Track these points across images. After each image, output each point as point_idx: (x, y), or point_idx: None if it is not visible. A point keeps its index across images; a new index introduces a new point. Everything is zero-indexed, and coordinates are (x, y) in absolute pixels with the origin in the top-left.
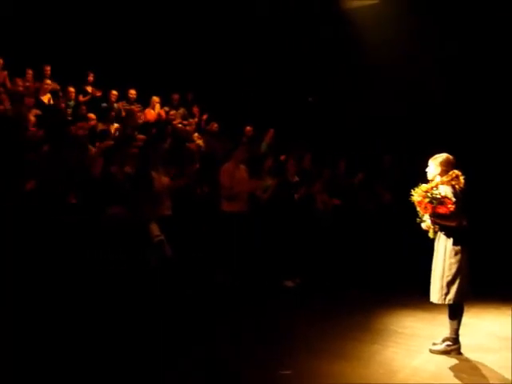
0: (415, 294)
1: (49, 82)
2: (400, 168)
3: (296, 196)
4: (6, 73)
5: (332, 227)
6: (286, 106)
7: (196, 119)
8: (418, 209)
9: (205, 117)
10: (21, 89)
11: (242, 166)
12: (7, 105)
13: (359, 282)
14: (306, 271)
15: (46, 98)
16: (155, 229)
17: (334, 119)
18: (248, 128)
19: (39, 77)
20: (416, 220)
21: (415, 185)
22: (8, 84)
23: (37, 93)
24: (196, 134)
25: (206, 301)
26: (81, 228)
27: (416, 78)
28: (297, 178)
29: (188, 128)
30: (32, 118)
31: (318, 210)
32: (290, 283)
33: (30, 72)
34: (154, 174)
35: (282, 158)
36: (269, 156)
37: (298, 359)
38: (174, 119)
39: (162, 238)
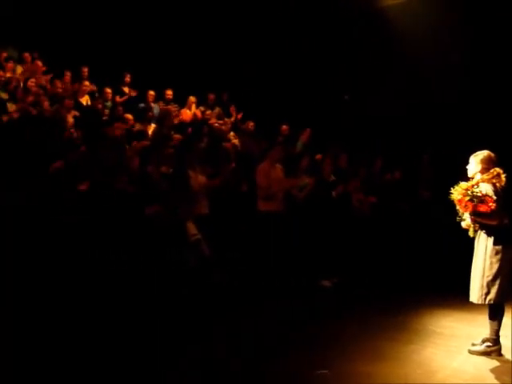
0: (454, 294)
1: (87, 83)
2: (439, 166)
3: (333, 195)
4: (49, 76)
5: (368, 226)
6: (321, 105)
7: (232, 118)
8: (458, 207)
9: (240, 116)
10: (60, 91)
11: (278, 166)
12: (46, 107)
13: (396, 282)
14: (343, 270)
15: (84, 100)
16: (192, 228)
17: (371, 117)
18: (284, 127)
19: (77, 79)
20: (456, 219)
21: (455, 183)
22: (48, 86)
23: (75, 94)
24: (232, 134)
25: (241, 298)
26: (123, 227)
27: (453, 76)
28: (333, 177)
29: (224, 127)
30: (70, 120)
31: (355, 209)
32: (326, 283)
33: (68, 74)
34: (190, 173)
35: (318, 157)
36: (305, 155)
37: (334, 359)
38: (210, 119)
39: (199, 237)
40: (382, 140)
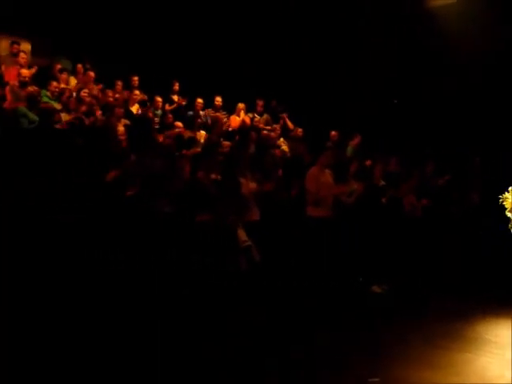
0: (509, 302)
1: (137, 92)
2: (489, 168)
3: (383, 200)
4: (100, 86)
5: (420, 230)
6: (371, 109)
7: (281, 125)
8: (510, 214)
9: (287, 122)
10: (111, 100)
11: (328, 171)
12: (98, 116)
13: (449, 287)
14: (394, 276)
15: (134, 108)
16: (242, 234)
17: (421, 121)
18: (333, 133)
19: (128, 88)
20: (508, 226)
21: (505, 187)
22: (100, 96)
23: (126, 103)
24: (281, 140)
25: (291, 305)
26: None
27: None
28: (383, 182)
29: (272, 134)
30: (121, 128)
31: (406, 213)
32: (377, 289)
33: (119, 83)
34: (241, 179)
35: (368, 162)
36: (354, 160)
37: (386, 366)
38: (259, 125)
39: (250, 243)
40: (432, 143)
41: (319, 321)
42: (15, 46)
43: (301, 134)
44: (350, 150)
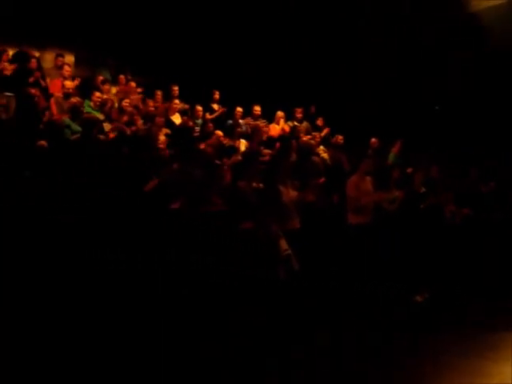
0: None
1: (177, 101)
2: None
3: (422, 207)
4: (141, 96)
5: (461, 238)
6: (412, 116)
7: (321, 132)
8: None
9: (327, 130)
10: (152, 109)
11: (368, 178)
12: (140, 125)
13: (492, 295)
14: (436, 284)
15: (175, 118)
16: (283, 243)
17: (463, 127)
18: (373, 140)
19: (168, 97)
20: None
21: None
22: (140, 106)
23: (167, 113)
24: (321, 147)
25: (331, 312)
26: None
27: None
28: (423, 189)
29: (312, 142)
30: (162, 137)
31: (447, 221)
32: (419, 298)
33: (159, 93)
34: (281, 188)
35: (409, 170)
36: (396, 167)
37: (427, 376)
38: (299, 133)
39: (290, 252)
40: (476, 150)
41: (359, 329)
42: (59, 58)
43: (341, 141)
44: (391, 156)
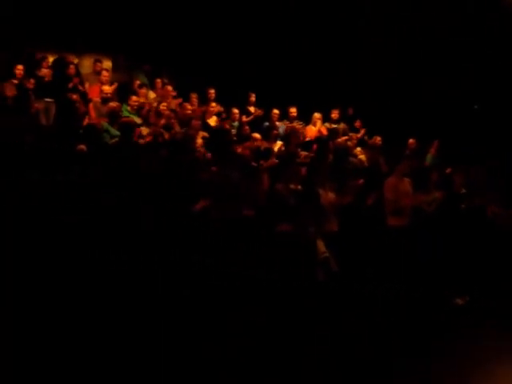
0: None
1: (213, 104)
2: None
3: (463, 208)
4: (179, 100)
5: (505, 240)
6: (451, 116)
7: (358, 135)
8: None
9: (364, 131)
10: (188, 113)
11: (407, 180)
12: (177, 129)
13: None
14: (477, 286)
15: (212, 121)
16: (321, 245)
17: (504, 126)
18: (411, 140)
19: (205, 100)
20: None
21: None
22: (178, 109)
23: (203, 116)
24: (358, 149)
25: (370, 314)
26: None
27: None
28: (464, 190)
29: (350, 143)
30: (200, 141)
31: (490, 222)
32: (459, 301)
33: (194, 96)
34: (319, 190)
35: (448, 171)
36: (434, 168)
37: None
38: (336, 135)
39: (327, 255)
40: None
41: (397, 331)
42: (98, 64)
43: (379, 142)
44: (429, 157)
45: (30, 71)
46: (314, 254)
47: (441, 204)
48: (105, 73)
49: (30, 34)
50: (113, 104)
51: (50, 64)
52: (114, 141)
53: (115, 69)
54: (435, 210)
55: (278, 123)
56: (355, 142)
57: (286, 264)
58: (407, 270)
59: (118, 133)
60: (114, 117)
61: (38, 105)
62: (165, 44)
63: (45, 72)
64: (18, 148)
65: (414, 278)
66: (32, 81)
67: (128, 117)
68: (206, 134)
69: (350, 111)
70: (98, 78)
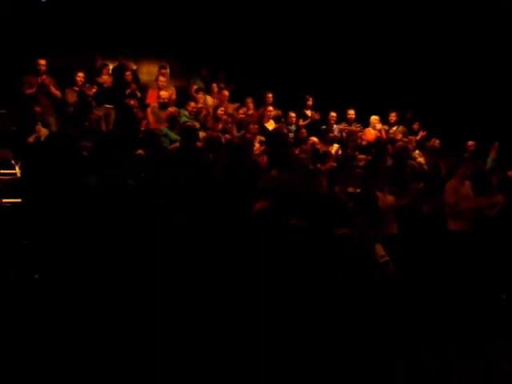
0: None
1: (271, 108)
2: None
3: None
4: (237, 104)
5: None
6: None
7: (417, 136)
8: None
9: (424, 133)
10: (244, 117)
11: (467, 183)
12: (235, 133)
13: None
14: None
15: (269, 125)
16: (380, 249)
17: None
18: (470, 143)
19: (262, 104)
20: None
21: None
22: (235, 114)
23: (260, 120)
24: (417, 152)
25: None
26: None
27: None
28: None
29: (408, 145)
30: (257, 144)
31: None
32: None
33: (250, 100)
34: (378, 193)
35: (510, 173)
36: (495, 171)
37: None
38: (394, 137)
39: (387, 258)
40: None
41: (461, 339)
42: (162, 70)
43: (438, 145)
44: (489, 160)
45: (91, 78)
46: (372, 258)
47: (503, 207)
48: (161, 78)
49: (91, 41)
50: (172, 109)
51: (110, 71)
52: (173, 146)
53: (172, 74)
54: (497, 213)
55: (335, 126)
56: (414, 144)
57: (344, 266)
58: (469, 275)
59: (177, 137)
60: (173, 122)
61: (98, 111)
62: (221, 48)
63: (105, 79)
64: (77, 154)
65: (476, 283)
66: (92, 88)
67: (187, 121)
68: (263, 138)
69: (409, 114)
70: (155, 83)
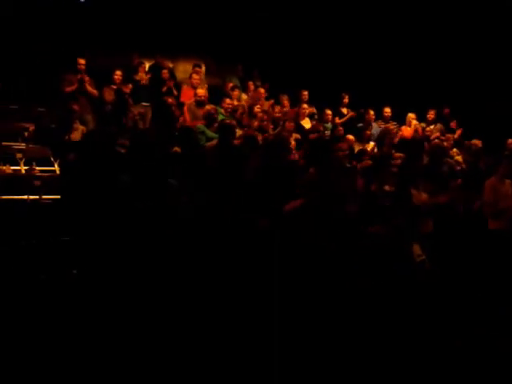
0: None
1: (305, 106)
2: None
3: None
4: (272, 101)
5: None
6: None
7: (455, 135)
8: None
9: (460, 131)
10: (279, 115)
11: (508, 181)
12: (271, 131)
13: None
14: None
15: (305, 122)
16: (417, 248)
17: None
18: (510, 140)
19: (297, 102)
20: None
21: None
22: (270, 111)
23: (296, 117)
24: (455, 150)
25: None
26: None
27: None
28: None
29: (446, 144)
30: (293, 142)
31: None
32: None
33: (285, 98)
34: (413, 191)
35: None
36: None
37: None
38: (431, 135)
39: (424, 257)
40: None
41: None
42: (196, 68)
43: (480, 145)
44: None
45: (128, 76)
46: (409, 256)
47: None
48: (195, 76)
49: (129, 39)
50: (209, 107)
51: (146, 69)
52: (210, 143)
53: (208, 72)
54: None
55: (372, 124)
56: (451, 142)
57: (380, 265)
58: (508, 275)
59: (214, 135)
60: (210, 119)
61: (135, 109)
62: (257, 46)
63: (141, 76)
64: (115, 151)
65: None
66: (129, 86)
67: (224, 119)
68: (298, 136)
69: (446, 111)
70: (190, 81)
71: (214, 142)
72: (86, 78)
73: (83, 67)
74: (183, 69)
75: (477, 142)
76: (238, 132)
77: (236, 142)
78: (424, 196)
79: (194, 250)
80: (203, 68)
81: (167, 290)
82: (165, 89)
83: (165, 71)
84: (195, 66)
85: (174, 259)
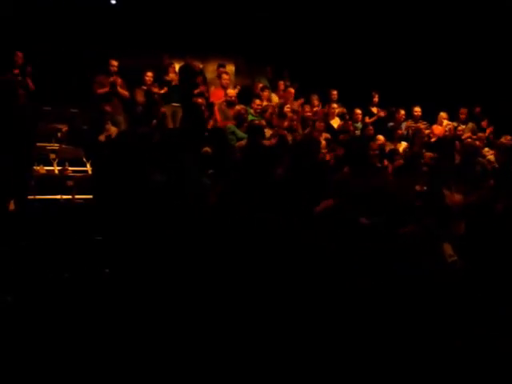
0: None
1: (335, 105)
2: None
3: None
4: (301, 101)
5: None
6: None
7: (486, 133)
8: None
9: (491, 129)
10: (309, 114)
11: None
12: (300, 131)
13: None
14: None
15: (334, 122)
16: (448, 248)
17: None
18: None
19: (327, 101)
20: None
21: None
22: (300, 111)
23: (326, 117)
24: (486, 149)
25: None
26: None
27: None
28: None
29: (478, 143)
30: (323, 142)
31: None
32: None
33: (315, 98)
34: (445, 191)
35: None
36: None
37: None
38: (463, 134)
39: (456, 258)
40: None
41: None
42: (220, 68)
43: (509, 142)
44: None
45: (159, 77)
46: (440, 257)
47: None
48: (224, 76)
49: (159, 41)
50: (239, 107)
51: (176, 70)
52: (240, 143)
53: (238, 72)
54: None
55: (403, 124)
56: (484, 141)
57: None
58: None
59: (244, 135)
60: (240, 119)
61: (166, 109)
62: (286, 46)
63: (172, 77)
64: (145, 151)
65: None
66: (165, 88)
67: (254, 120)
68: (328, 136)
69: (478, 110)
70: (219, 81)
71: (244, 141)
72: (119, 81)
73: (116, 69)
74: (213, 69)
75: (506, 140)
76: (268, 132)
77: (266, 142)
78: (457, 197)
79: (214, 248)
80: (233, 68)
81: (199, 288)
82: (197, 91)
83: (199, 78)
84: (219, 66)
85: (202, 257)
